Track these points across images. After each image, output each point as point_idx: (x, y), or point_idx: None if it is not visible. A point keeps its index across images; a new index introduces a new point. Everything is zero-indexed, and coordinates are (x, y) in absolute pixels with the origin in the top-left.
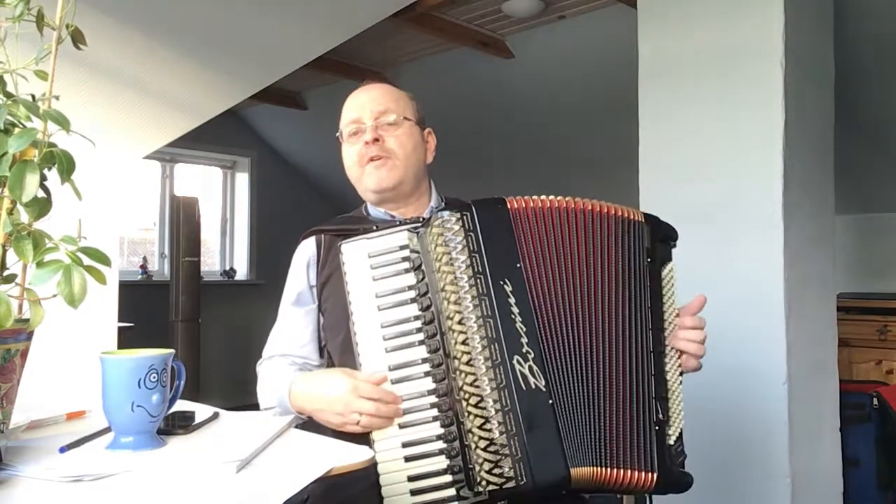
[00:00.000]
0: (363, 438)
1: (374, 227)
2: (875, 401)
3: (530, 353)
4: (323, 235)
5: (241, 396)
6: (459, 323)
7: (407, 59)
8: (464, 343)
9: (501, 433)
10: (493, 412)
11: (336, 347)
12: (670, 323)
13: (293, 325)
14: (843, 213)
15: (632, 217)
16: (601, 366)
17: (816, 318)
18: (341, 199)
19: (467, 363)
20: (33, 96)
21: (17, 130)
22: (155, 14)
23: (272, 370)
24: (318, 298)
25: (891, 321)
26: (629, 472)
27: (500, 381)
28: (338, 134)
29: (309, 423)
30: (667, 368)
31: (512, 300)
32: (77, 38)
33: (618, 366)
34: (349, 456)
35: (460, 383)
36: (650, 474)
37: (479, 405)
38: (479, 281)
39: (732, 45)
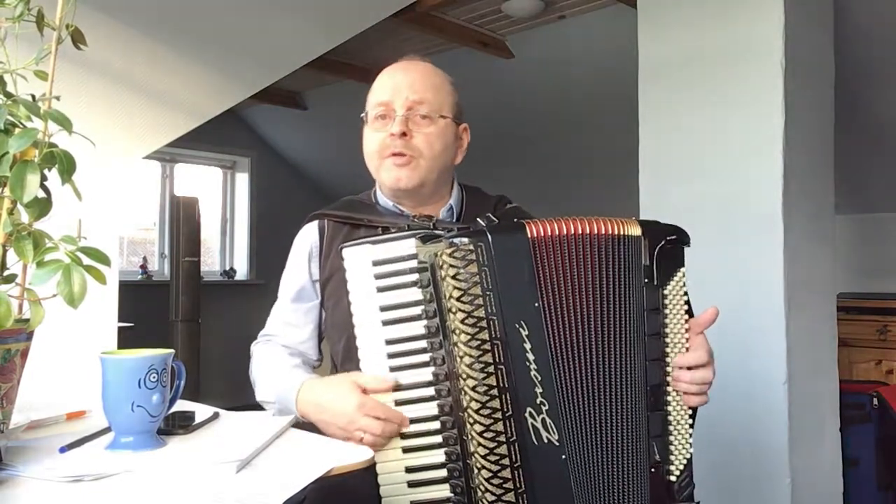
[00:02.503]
0: None
1: (380, 231)
2: (875, 401)
3: (544, 405)
4: (326, 221)
5: (241, 396)
6: (468, 366)
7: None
8: (473, 389)
9: (509, 490)
10: (501, 468)
11: (338, 352)
12: (676, 344)
13: (293, 322)
14: (843, 213)
15: (628, 233)
16: (612, 412)
17: (816, 318)
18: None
19: (476, 412)
20: (33, 96)
21: (17, 130)
22: (155, 14)
23: (272, 359)
24: (322, 294)
25: (891, 321)
26: None
27: (510, 434)
28: (363, 114)
29: (309, 423)
30: (669, 399)
31: (527, 345)
32: (77, 39)
33: (624, 408)
34: (349, 456)
35: (468, 429)
36: None
37: (487, 458)
38: (491, 324)
39: (732, 45)
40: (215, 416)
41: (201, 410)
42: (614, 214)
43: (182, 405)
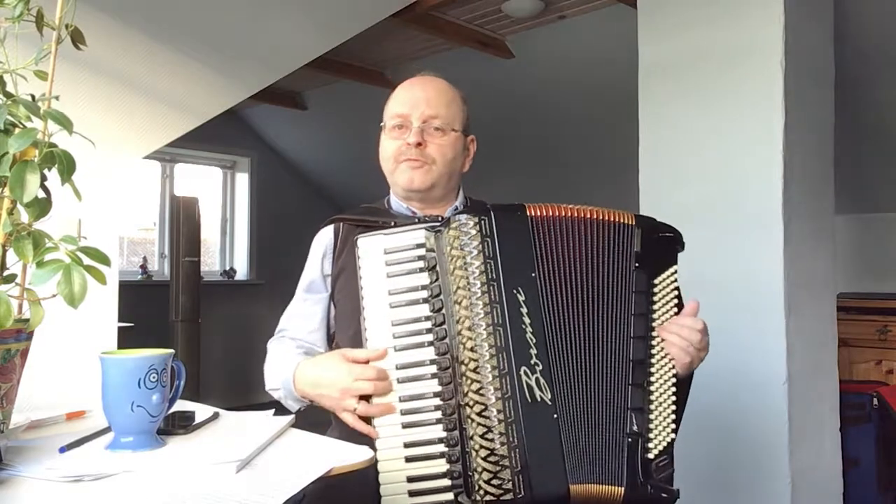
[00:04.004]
0: (365, 436)
1: (392, 223)
2: (875, 401)
3: (538, 366)
4: (342, 224)
5: (241, 396)
6: (469, 329)
7: (407, 59)
8: (472, 350)
9: (503, 444)
10: (497, 422)
11: (346, 341)
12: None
13: (303, 312)
14: (843, 213)
15: (623, 221)
16: (597, 379)
17: (816, 318)
18: (341, 199)
19: (474, 370)
20: (33, 96)
21: (17, 130)
22: (155, 14)
23: (280, 351)
24: (332, 288)
25: (891, 321)
26: (604, 486)
27: (506, 391)
28: (381, 123)
29: (306, 422)
30: (652, 379)
31: (524, 310)
32: (77, 38)
33: (607, 377)
34: (349, 456)
35: (466, 389)
36: (617, 488)
37: (483, 414)
38: (491, 288)
39: (732, 45)
40: (215, 416)
41: (201, 410)
42: None
43: (182, 405)
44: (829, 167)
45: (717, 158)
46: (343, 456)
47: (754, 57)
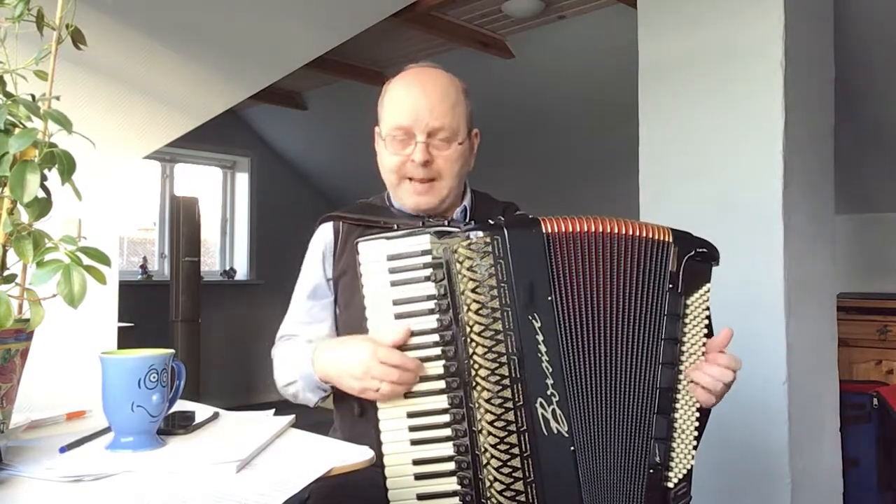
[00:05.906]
0: (366, 437)
1: (395, 227)
2: (875, 401)
3: (554, 396)
4: (341, 223)
5: (241, 396)
6: (481, 356)
7: (407, 59)
8: (485, 379)
9: (518, 479)
10: (511, 457)
11: None
12: (692, 354)
13: (311, 319)
14: (843, 213)
15: (657, 237)
16: (618, 408)
17: (816, 318)
18: (341, 199)
19: (487, 401)
20: (33, 96)
21: (17, 130)
22: (155, 14)
23: (292, 346)
24: (335, 292)
25: (891, 321)
26: None
27: (521, 424)
28: (377, 129)
29: (306, 422)
30: (677, 406)
31: (540, 337)
32: (77, 38)
33: (630, 406)
34: (349, 456)
35: (479, 416)
36: None
37: (497, 447)
38: (505, 315)
39: (732, 45)
40: (215, 416)
41: (201, 410)
42: (614, 215)
43: (182, 405)
44: (829, 167)
45: (717, 158)
46: (343, 456)
47: (754, 56)
